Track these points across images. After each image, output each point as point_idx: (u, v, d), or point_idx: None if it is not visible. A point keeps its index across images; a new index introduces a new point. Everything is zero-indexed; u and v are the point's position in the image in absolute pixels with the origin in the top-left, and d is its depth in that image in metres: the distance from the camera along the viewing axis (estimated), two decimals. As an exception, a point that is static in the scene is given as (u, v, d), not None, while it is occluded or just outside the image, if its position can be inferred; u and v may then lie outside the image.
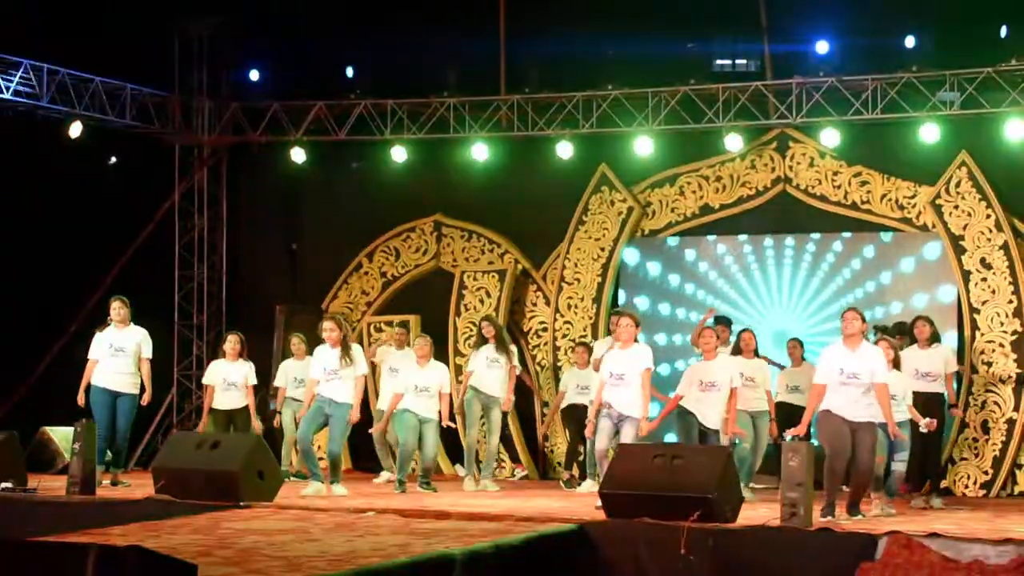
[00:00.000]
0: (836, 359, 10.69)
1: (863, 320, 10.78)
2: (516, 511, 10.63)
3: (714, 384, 12.26)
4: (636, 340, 11.92)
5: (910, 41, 16.33)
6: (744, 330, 13.72)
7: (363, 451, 16.08)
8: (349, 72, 18.44)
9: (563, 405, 15.14)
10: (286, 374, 15.11)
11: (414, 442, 13.67)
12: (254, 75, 18.75)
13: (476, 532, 9.08)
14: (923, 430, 11.92)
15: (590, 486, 13.19)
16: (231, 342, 14.43)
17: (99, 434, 12.64)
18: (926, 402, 12.32)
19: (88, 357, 13.46)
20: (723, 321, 14.37)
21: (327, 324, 12.83)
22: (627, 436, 11.66)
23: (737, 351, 13.34)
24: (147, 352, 13.51)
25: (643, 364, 11.76)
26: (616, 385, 11.76)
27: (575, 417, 14.60)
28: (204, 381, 14.87)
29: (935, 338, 12.99)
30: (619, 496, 9.88)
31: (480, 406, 14.10)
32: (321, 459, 13.66)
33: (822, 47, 16.65)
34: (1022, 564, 8.38)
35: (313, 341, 13.73)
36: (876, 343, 11.37)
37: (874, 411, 10.66)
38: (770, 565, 9.04)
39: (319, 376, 12.66)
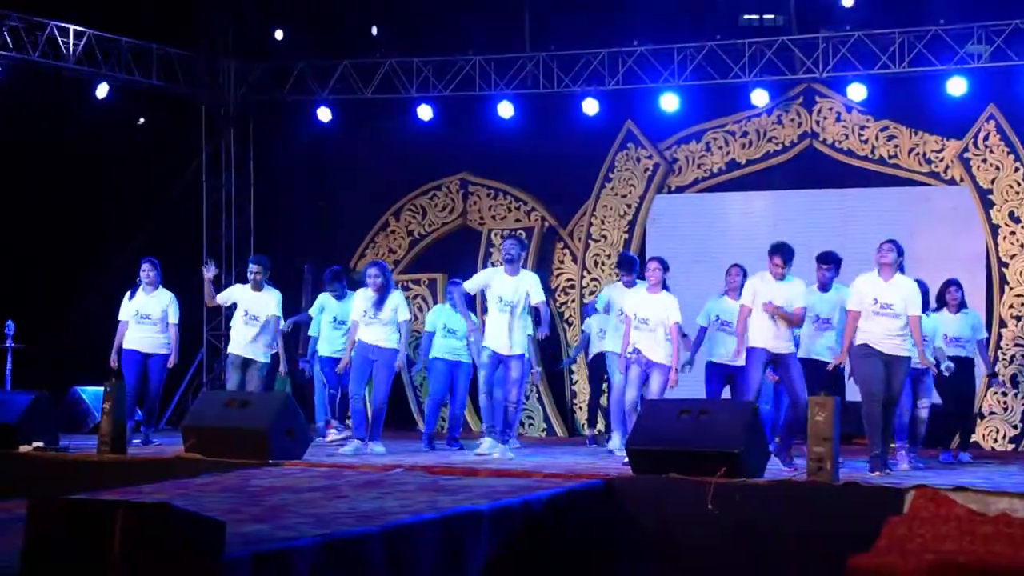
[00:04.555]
0: (869, 287, 10.66)
1: (899, 253, 10.70)
2: (544, 467, 10.69)
3: (730, 324, 12.26)
4: (664, 286, 11.94)
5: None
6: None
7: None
8: (374, 30, 18.39)
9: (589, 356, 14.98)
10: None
11: (444, 392, 13.73)
12: (280, 34, 18.71)
13: (504, 488, 9.13)
14: (945, 373, 11.93)
15: (618, 442, 13.10)
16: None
17: (129, 394, 12.74)
18: (956, 367, 12.27)
19: (119, 319, 13.51)
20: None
21: (372, 270, 12.77)
22: (655, 384, 11.69)
23: None
24: (174, 317, 13.49)
25: (671, 317, 11.77)
26: (640, 329, 11.81)
27: (597, 368, 14.55)
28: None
29: (964, 304, 12.88)
30: (646, 452, 9.92)
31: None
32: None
33: (848, 1, 16.50)
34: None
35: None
36: None
37: (909, 345, 10.62)
38: (796, 520, 9.07)
39: (359, 319, 12.65)
